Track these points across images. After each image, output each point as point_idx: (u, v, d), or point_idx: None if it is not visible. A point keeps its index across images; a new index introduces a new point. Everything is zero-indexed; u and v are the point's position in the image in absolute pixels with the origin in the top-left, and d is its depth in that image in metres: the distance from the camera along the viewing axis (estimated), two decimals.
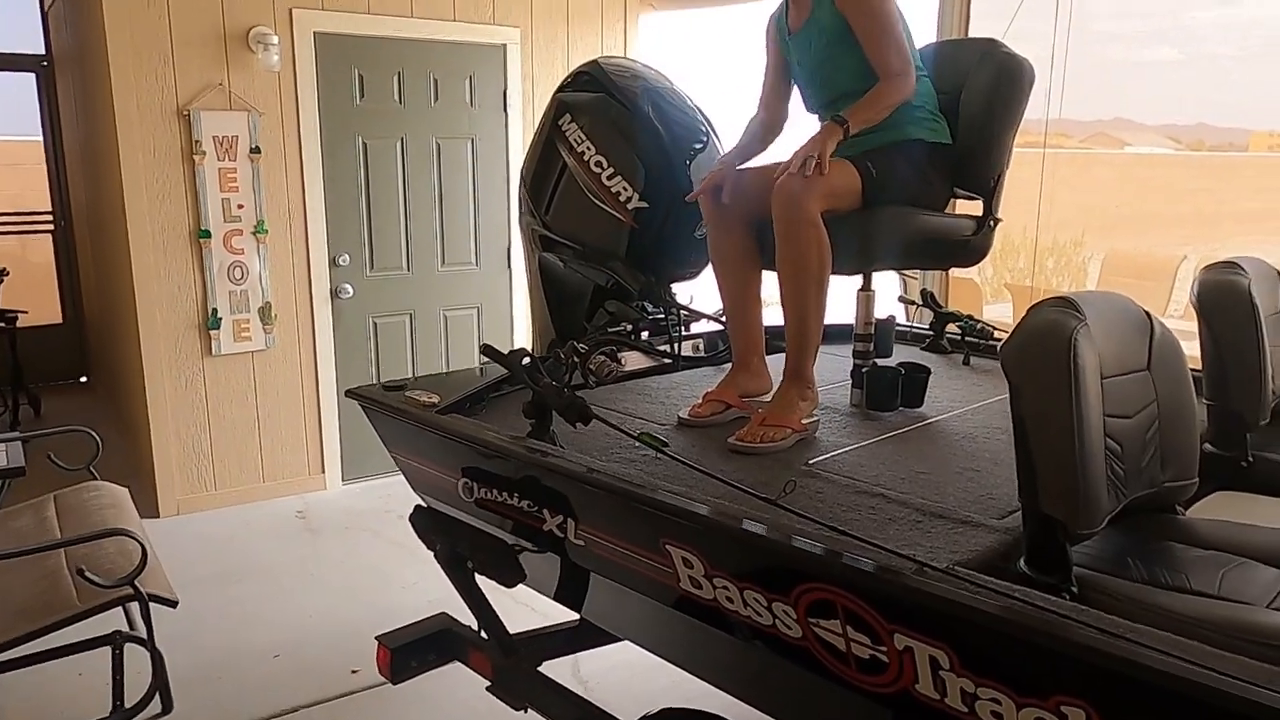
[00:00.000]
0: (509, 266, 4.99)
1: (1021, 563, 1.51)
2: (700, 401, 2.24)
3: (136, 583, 2.13)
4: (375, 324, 4.75)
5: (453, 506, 2.23)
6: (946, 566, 1.35)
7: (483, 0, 4.66)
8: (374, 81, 4.51)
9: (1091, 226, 8.40)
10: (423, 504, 2.35)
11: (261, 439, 4.54)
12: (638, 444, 1.80)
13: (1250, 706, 1.03)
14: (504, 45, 4.74)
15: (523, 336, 5.00)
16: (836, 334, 3.31)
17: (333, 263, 4.57)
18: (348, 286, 4.62)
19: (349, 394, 2.46)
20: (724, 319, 3.00)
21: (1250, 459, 2.11)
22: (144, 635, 2.28)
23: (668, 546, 1.65)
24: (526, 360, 2.03)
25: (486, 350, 2.07)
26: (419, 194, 4.71)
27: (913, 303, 3.31)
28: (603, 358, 1.98)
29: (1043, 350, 1.48)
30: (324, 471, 4.72)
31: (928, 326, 3.19)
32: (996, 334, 3.03)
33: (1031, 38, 3.92)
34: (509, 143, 4.86)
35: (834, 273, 2.10)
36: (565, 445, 2.00)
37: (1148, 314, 1.69)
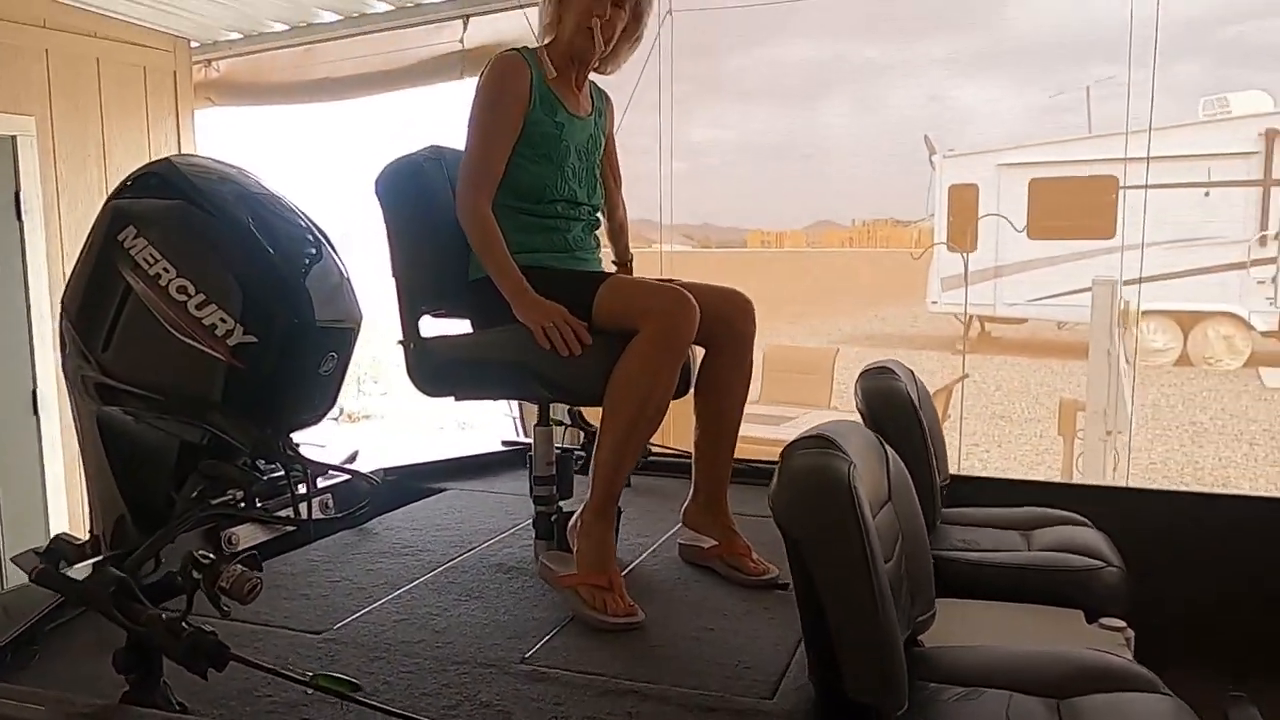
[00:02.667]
0: (35, 413, 3.88)
1: None
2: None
3: None
4: None
5: None
6: None
7: None
8: None
9: None
10: None
11: None
12: (311, 692, 1.27)
13: None
14: (13, 137, 3.74)
15: (61, 511, 3.89)
16: (474, 468, 2.94)
17: None
18: None
19: None
20: (352, 468, 2.52)
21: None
22: None
23: None
24: (114, 582, 1.39)
25: (42, 580, 1.40)
26: None
27: (560, 423, 3.07)
28: (240, 568, 1.40)
29: (825, 504, 1.27)
30: None
31: (579, 448, 2.97)
32: (654, 449, 2.89)
33: None
34: (26, 258, 3.81)
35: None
36: (185, 701, 1.39)
37: (879, 439, 1.59)
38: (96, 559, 2.03)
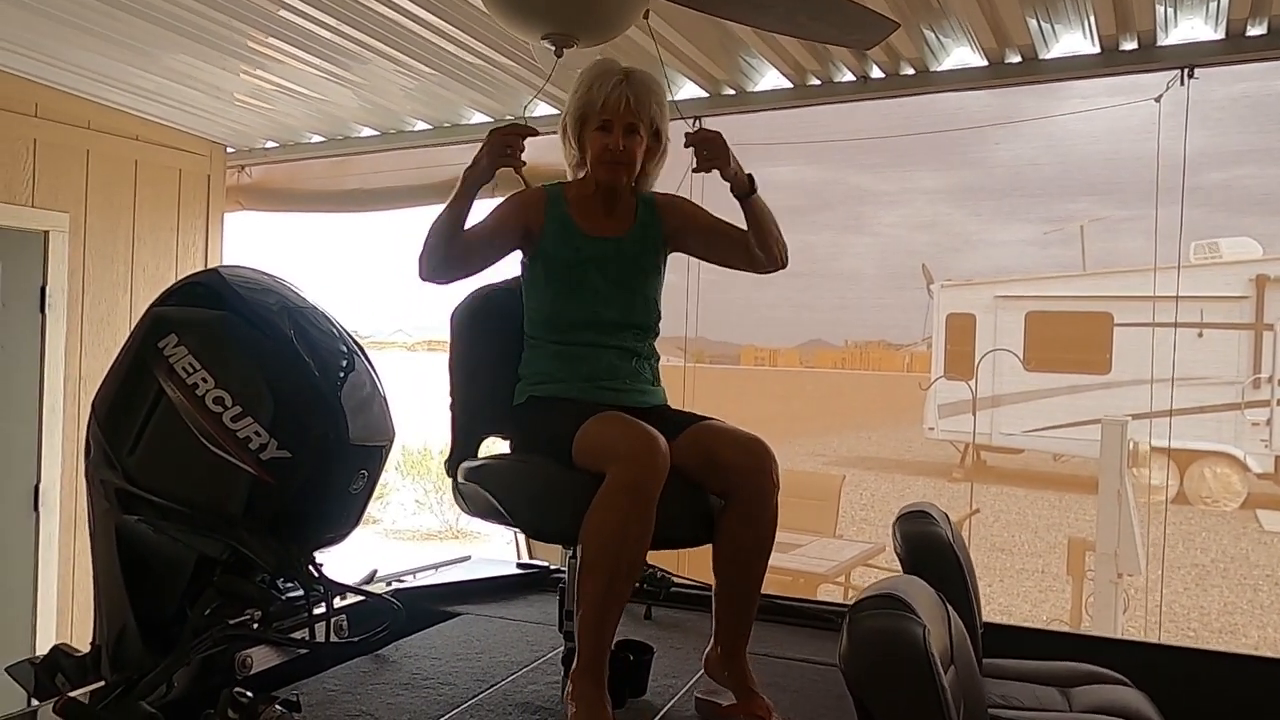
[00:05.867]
0: (35, 509, 3.79)
1: None
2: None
3: None
4: None
5: None
6: None
7: (17, 177, 3.71)
8: None
9: None
10: None
11: None
12: None
13: None
14: (46, 233, 3.78)
15: (50, 611, 3.76)
16: (488, 590, 2.86)
17: None
18: None
19: None
20: (374, 590, 2.45)
21: None
22: None
23: None
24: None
25: (66, 713, 1.32)
26: None
27: None
28: (279, 709, 1.33)
29: (901, 671, 1.23)
30: None
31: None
32: (675, 580, 2.82)
33: None
34: (45, 350, 3.80)
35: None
36: None
37: (941, 597, 1.55)
38: (109, 684, 1.95)
